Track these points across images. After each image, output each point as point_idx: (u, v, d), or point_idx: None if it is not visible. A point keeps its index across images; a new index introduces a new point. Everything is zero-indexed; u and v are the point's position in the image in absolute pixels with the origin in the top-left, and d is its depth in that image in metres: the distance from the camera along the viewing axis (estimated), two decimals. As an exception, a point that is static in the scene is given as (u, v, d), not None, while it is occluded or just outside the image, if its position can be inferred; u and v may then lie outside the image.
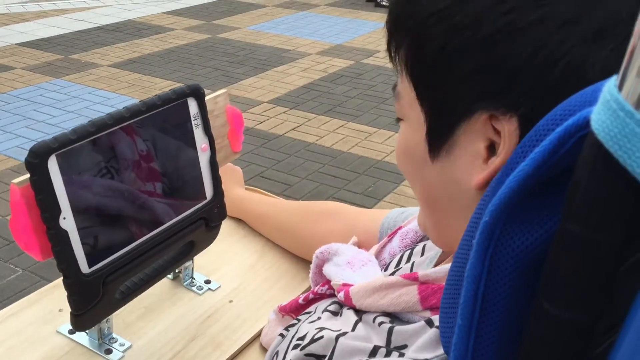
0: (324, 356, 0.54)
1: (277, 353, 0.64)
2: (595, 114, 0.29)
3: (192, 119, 0.77)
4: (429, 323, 0.50)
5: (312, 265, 0.78)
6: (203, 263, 0.92)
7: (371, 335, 0.54)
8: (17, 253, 2.43)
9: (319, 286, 0.75)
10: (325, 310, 0.63)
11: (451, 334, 0.41)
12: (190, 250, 0.82)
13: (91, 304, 0.69)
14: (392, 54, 0.52)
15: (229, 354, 0.79)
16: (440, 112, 0.48)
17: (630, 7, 0.41)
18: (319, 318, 0.62)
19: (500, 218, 0.33)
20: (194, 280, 0.90)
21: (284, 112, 3.94)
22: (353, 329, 0.55)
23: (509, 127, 0.44)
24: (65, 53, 4.96)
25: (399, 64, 0.52)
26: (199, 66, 4.78)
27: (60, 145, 0.63)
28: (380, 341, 0.52)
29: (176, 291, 0.88)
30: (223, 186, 0.84)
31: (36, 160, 0.61)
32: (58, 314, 0.82)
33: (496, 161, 0.45)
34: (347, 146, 3.46)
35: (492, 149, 0.46)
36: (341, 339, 0.53)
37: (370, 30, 5.96)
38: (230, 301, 0.88)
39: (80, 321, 0.70)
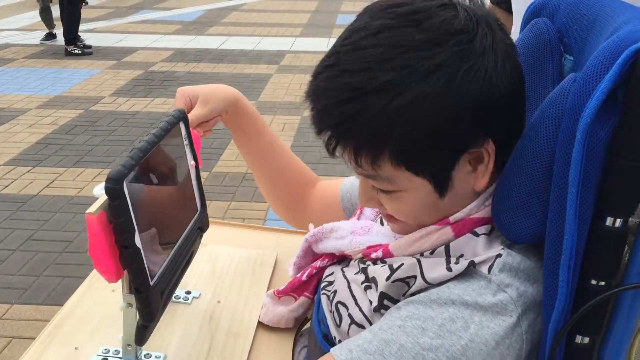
0: (414, 276, 0.70)
1: (336, 306, 0.78)
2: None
3: (184, 140, 0.87)
4: (474, 234, 0.72)
5: (299, 251, 0.92)
6: (175, 278, 0.99)
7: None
8: None
9: (319, 260, 0.89)
10: (360, 270, 0.79)
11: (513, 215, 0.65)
12: (190, 258, 0.90)
13: (157, 314, 0.75)
14: (358, 160, 0.66)
15: (250, 338, 0.90)
16: (439, 173, 0.68)
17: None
18: (362, 269, 0.78)
19: (590, 121, 0.57)
20: (176, 294, 0.96)
21: (28, 172, 3.71)
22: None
23: (489, 148, 0.67)
24: None
25: (371, 165, 0.66)
26: None
27: (129, 171, 0.70)
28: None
29: (167, 307, 0.94)
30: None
31: (117, 186, 0.67)
32: (75, 353, 0.83)
33: (489, 167, 0.68)
34: (114, 191, 3.41)
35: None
36: (422, 259, 0.71)
37: (84, 78, 5.81)
38: (219, 302, 0.97)
39: (145, 333, 0.75)
